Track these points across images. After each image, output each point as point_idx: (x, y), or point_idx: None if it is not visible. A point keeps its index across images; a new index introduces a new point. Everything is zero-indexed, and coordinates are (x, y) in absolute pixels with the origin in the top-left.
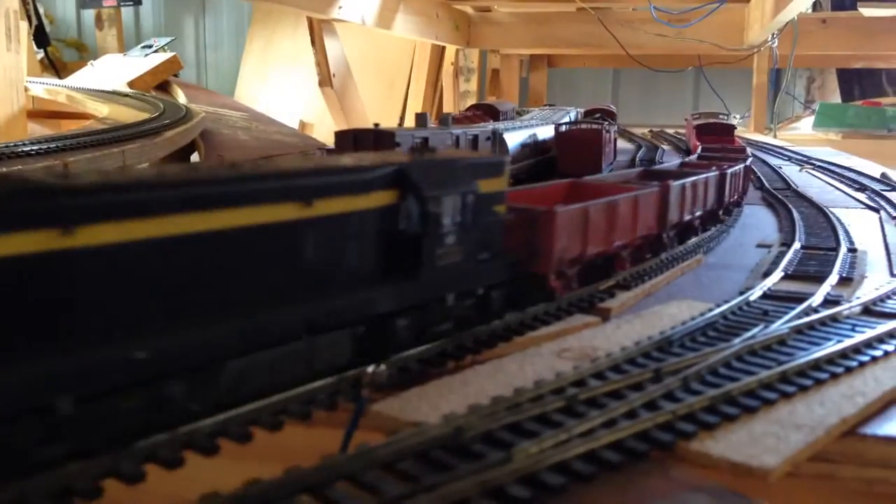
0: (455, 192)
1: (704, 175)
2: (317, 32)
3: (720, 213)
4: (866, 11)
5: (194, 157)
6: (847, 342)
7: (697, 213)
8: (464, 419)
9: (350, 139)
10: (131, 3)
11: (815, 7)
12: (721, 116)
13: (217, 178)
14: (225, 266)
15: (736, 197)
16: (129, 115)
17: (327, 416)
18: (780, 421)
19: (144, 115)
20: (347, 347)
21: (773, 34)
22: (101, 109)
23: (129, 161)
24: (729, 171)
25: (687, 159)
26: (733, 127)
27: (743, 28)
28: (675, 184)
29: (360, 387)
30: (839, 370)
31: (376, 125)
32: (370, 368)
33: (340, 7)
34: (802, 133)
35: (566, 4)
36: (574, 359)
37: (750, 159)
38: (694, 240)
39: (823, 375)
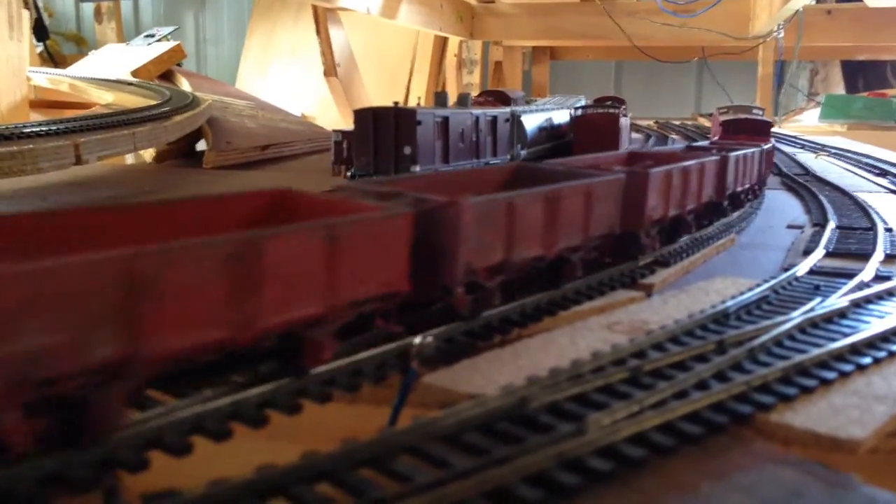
0: None
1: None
2: (322, 22)
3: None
4: (871, 2)
5: (201, 145)
6: None
7: (563, 246)
8: (526, 390)
9: (370, 118)
10: None
11: None
12: (755, 112)
13: None
14: None
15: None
16: (134, 102)
17: (371, 393)
18: (859, 393)
19: (151, 102)
20: None
21: (778, 25)
22: (105, 97)
23: (140, 144)
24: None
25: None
26: (770, 124)
27: (749, 18)
28: (474, 200)
29: (408, 358)
30: None
31: (396, 103)
32: (417, 339)
33: None
34: (806, 125)
35: None
36: (625, 332)
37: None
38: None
39: (895, 347)
